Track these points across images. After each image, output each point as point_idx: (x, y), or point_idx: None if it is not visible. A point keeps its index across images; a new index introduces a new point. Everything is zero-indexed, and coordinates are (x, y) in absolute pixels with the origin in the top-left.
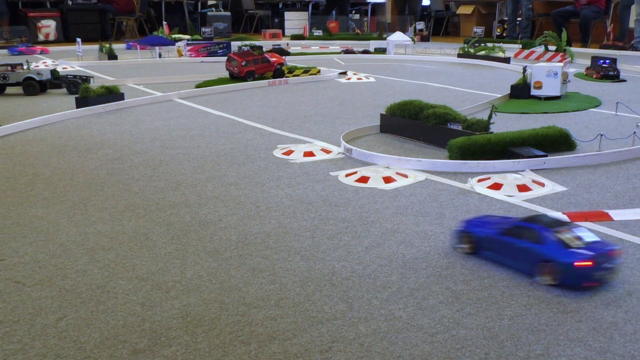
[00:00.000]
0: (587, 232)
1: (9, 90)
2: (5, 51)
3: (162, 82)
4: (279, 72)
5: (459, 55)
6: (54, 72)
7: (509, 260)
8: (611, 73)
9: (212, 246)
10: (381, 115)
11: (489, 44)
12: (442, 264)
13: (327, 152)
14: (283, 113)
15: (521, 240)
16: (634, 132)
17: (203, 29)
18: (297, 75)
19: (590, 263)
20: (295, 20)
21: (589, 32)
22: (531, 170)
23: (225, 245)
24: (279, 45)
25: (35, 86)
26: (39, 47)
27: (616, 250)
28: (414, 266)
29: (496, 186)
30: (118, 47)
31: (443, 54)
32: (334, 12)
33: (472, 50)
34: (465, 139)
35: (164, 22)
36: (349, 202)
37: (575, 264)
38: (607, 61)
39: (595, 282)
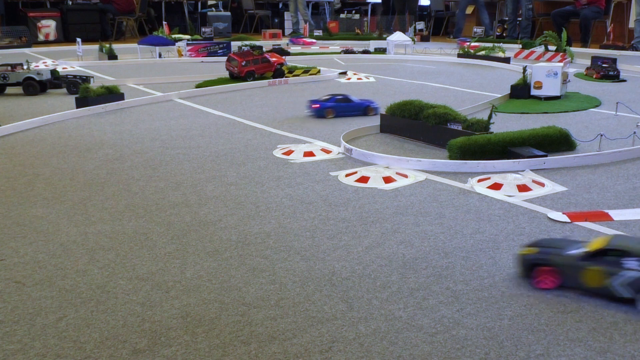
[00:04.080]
0: None
1: (9, 90)
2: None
3: (162, 82)
4: (279, 72)
5: (459, 55)
6: (54, 72)
7: None
8: (611, 73)
9: (212, 246)
10: (381, 115)
11: (489, 44)
12: (442, 264)
13: (327, 152)
14: (283, 113)
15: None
16: (634, 132)
17: (203, 29)
18: (297, 75)
19: None
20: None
21: (589, 32)
22: (531, 170)
23: (225, 245)
24: (279, 45)
25: (35, 86)
26: (304, 40)
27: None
28: (414, 266)
29: (496, 186)
30: (118, 47)
31: (443, 54)
32: (392, 14)
33: (471, 51)
34: (465, 139)
35: (164, 22)
36: (349, 202)
37: None
38: (609, 60)
39: None
